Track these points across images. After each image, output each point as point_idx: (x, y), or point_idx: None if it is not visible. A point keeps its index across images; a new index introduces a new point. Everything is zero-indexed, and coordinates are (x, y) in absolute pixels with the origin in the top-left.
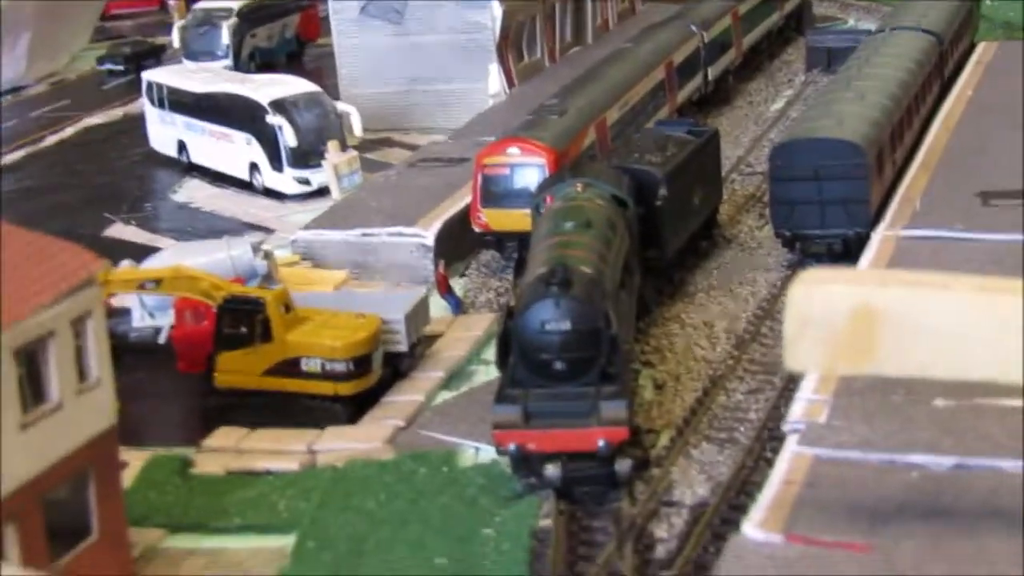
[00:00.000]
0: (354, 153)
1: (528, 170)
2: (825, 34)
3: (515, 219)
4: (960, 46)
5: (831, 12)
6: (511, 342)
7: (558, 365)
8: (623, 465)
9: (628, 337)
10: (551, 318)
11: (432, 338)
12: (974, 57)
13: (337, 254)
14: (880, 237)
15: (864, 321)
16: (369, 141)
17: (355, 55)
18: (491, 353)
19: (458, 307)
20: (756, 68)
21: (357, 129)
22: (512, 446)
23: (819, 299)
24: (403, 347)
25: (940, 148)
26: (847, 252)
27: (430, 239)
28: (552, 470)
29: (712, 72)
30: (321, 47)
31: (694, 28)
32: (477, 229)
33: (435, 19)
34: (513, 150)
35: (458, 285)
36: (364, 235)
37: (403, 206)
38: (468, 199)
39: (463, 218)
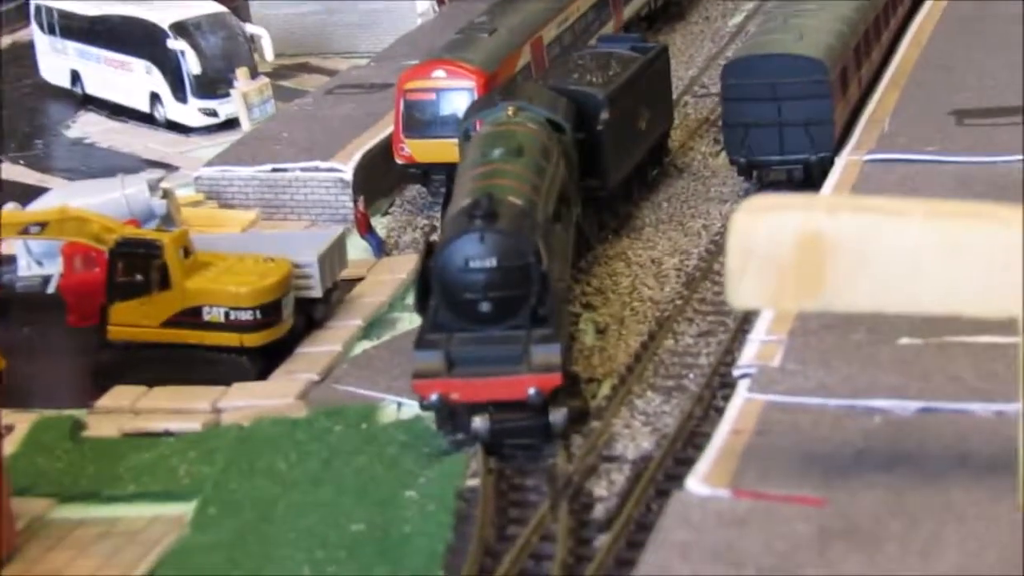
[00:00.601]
0: (265, 80)
1: (455, 95)
2: None
3: (442, 149)
4: None
5: None
6: (431, 282)
7: (484, 306)
8: (557, 416)
9: (564, 275)
10: (475, 254)
11: (351, 282)
12: None
13: (246, 192)
14: (844, 162)
15: (811, 252)
16: (283, 67)
17: None
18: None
19: (380, 248)
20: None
21: (268, 54)
22: (434, 396)
23: (763, 229)
24: (317, 293)
25: (911, 64)
26: (809, 179)
27: (348, 174)
28: (479, 423)
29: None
30: None
31: None
32: (400, 162)
33: None
34: (438, 73)
35: (380, 224)
36: (275, 170)
37: (319, 138)
38: (391, 129)
39: (385, 150)
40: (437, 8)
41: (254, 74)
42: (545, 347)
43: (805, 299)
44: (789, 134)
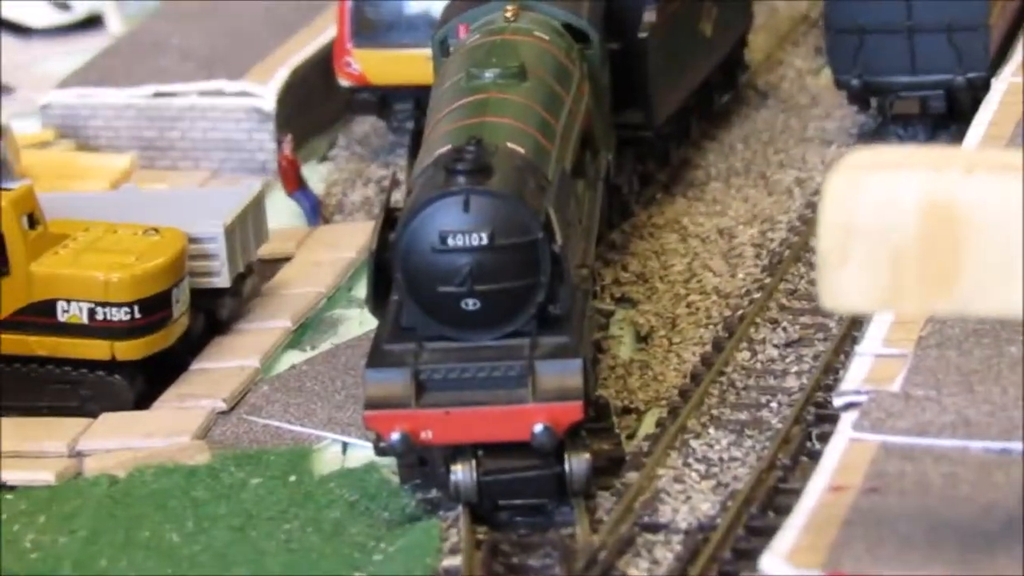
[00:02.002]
0: None
1: None
2: None
3: (408, 64)
4: None
5: None
6: (392, 269)
7: (469, 303)
8: (578, 464)
9: (588, 256)
10: (456, 227)
11: (272, 263)
12: None
13: (116, 127)
14: (1005, 86)
15: (942, 230)
16: None
17: None
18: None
19: (315, 212)
20: None
21: None
22: (396, 436)
23: (871, 197)
24: (223, 281)
25: None
26: (953, 111)
27: (269, 100)
28: (462, 474)
29: None
30: None
31: None
32: (345, 83)
33: None
34: None
35: (316, 176)
36: (160, 95)
37: (225, 46)
38: (331, 34)
39: (324, 64)
40: None
41: None
42: (559, 364)
43: (932, 299)
44: (924, 44)
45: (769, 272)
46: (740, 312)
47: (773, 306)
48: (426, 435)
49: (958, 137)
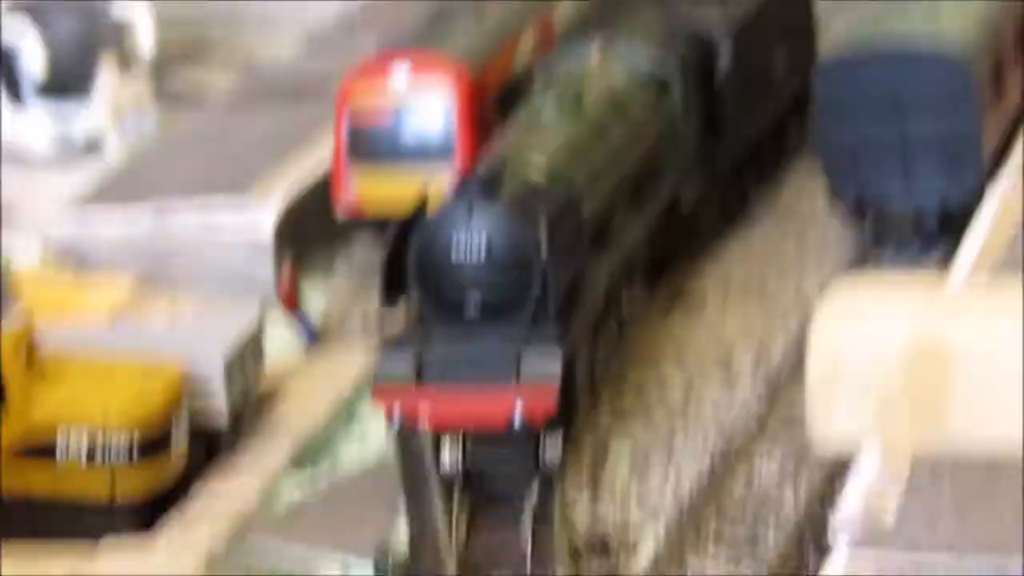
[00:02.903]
0: (144, 81)
1: (425, 106)
2: None
3: (407, 191)
4: None
5: None
6: (406, 266)
7: (471, 302)
8: (552, 449)
9: (609, 265)
10: (461, 236)
11: (272, 389)
12: None
13: (117, 253)
14: (1000, 201)
15: (928, 369)
16: (170, 55)
17: None
18: (365, 414)
19: (313, 335)
20: None
21: (147, 42)
22: (396, 411)
23: (856, 335)
24: (222, 418)
25: None
26: (946, 227)
27: (268, 225)
28: (451, 456)
29: None
30: None
31: None
32: (343, 211)
33: None
34: (399, 74)
35: (315, 299)
36: (160, 219)
37: (225, 170)
38: (330, 157)
39: (323, 189)
40: None
41: (127, 71)
42: (541, 355)
43: (920, 436)
44: (918, 160)
45: (767, 396)
46: (739, 436)
47: (771, 429)
48: (423, 408)
49: (952, 251)
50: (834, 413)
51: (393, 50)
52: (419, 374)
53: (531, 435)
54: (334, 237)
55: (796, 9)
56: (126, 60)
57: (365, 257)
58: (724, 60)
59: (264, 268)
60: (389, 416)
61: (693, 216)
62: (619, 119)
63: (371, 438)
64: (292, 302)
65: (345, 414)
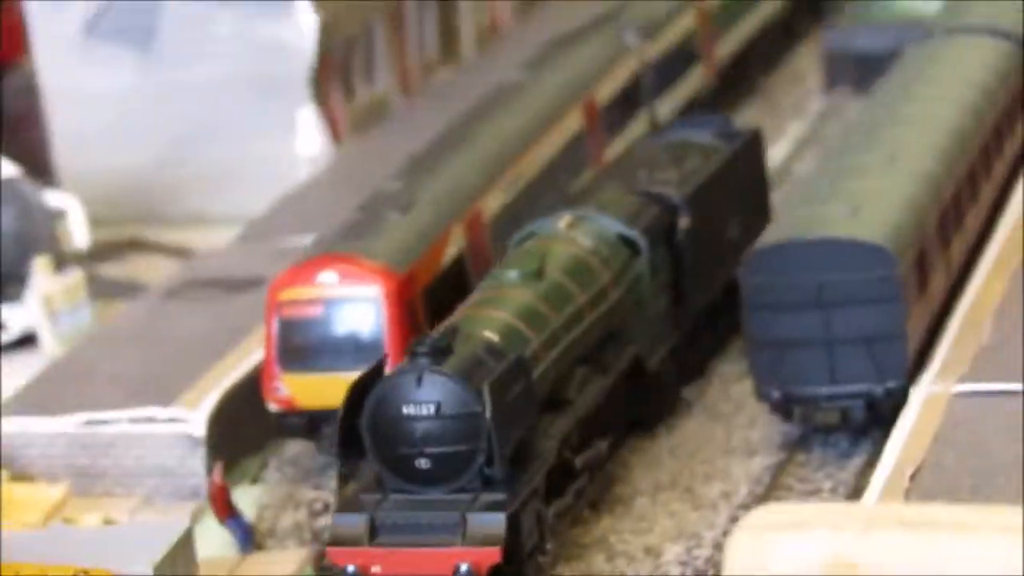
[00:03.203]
0: (78, 275)
1: (354, 309)
2: (851, 33)
3: (336, 389)
4: None
5: None
6: (361, 427)
7: (422, 463)
8: None
9: (561, 429)
10: (411, 399)
11: None
12: None
13: (51, 455)
14: (924, 396)
15: None
16: (105, 244)
17: (78, 104)
18: None
19: (247, 539)
20: (746, 91)
21: (81, 235)
22: (350, 568)
23: (773, 556)
24: None
25: None
26: (873, 420)
27: (199, 426)
28: None
29: (664, 109)
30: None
31: (629, 38)
32: (274, 407)
33: (208, 40)
34: (327, 277)
35: (247, 499)
36: (91, 423)
37: (156, 368)
38: (259, 356)
39: (253, 386)
40: (332, 149)
41: (60, 265)
42: (487, 516)
43: None
44: (843, 355)
45: None
46: None
47: None
48: (375, 569)
49: (881, 445)
50: None
51: (320, 253)
52: (372, 535)
53: None
54: (265, 437)
55: (749, 182)
56: (60, 254)
57: (296, 454)
58: (683, 222)
59: (197, 466)
60: (343, 571)
61: (656, 377)
62: (581, 282)
63: None
64: (224, 507)
65: None
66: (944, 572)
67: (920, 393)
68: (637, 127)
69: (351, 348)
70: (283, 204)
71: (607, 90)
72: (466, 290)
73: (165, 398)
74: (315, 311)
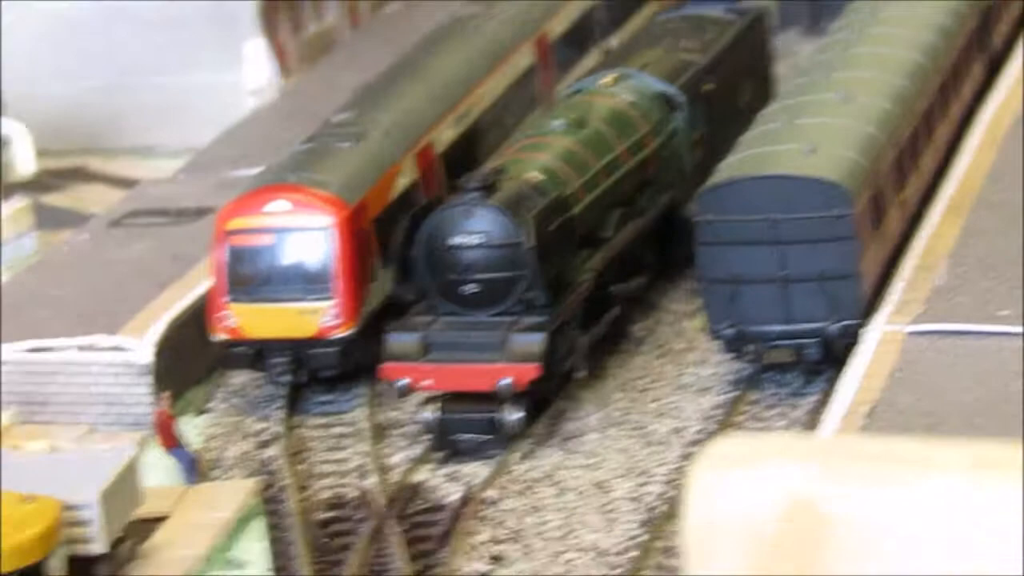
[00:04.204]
0: (23, 203)
1: (303, 238)
2: None
3: (284, 319)
4: None
5: None
6: (413, 258)
7: (469, 288)
8: (512, 414)
9: (597, 262)
10: (460, 230)
11: (149, 523)
12: None
13: None
14: (878, 336)
15: (803, 526)
16: (49, 173)
17: (22, 32)
18: (244, 548)
19: (192, 469)
20: None
21: (25, 162)
22: (401, 382)
23: (732, 491)
24: (98, 547)
25: (980, 176)
26: (827, 359)
27: (145, 354)
28: (430, 414)
29: (616, 45)
30: None
31: None
32: (221, 337)
33: None
34: (277, 205)
35: (193, 429)
36: (36, 350)
37: (101, 296)
38: (206, 285)
39: (200, 316)
40: (279, 82)
41: (6, 194)
42: (528, 336)
43: None
44: (797, 293)
45: (646, 528)
46: (619, 571)
47: (651, 565)
48: (426, 383)
49: (834, 383)
50: (710, 565)
51: (270, 183)
52: (423, 352)
53: (495, 404)
54: (211, 367)
55: (758, 52)
56: (5, 182)
57: (242, 383)
58: (708, 84)
59: (143, 395)
60: (395, 384)
61: (688, 222)
62: (621, 132)
63: (250, 568)
64: (170, 437)
65: (222, 547)
66: (903, 515)
67: (874, 332)
68: (588, 63)
69: (300, 278)
70: (230, 135)
71: (559, 25)
72: None
73: (111, 326)
74: (265, 240)
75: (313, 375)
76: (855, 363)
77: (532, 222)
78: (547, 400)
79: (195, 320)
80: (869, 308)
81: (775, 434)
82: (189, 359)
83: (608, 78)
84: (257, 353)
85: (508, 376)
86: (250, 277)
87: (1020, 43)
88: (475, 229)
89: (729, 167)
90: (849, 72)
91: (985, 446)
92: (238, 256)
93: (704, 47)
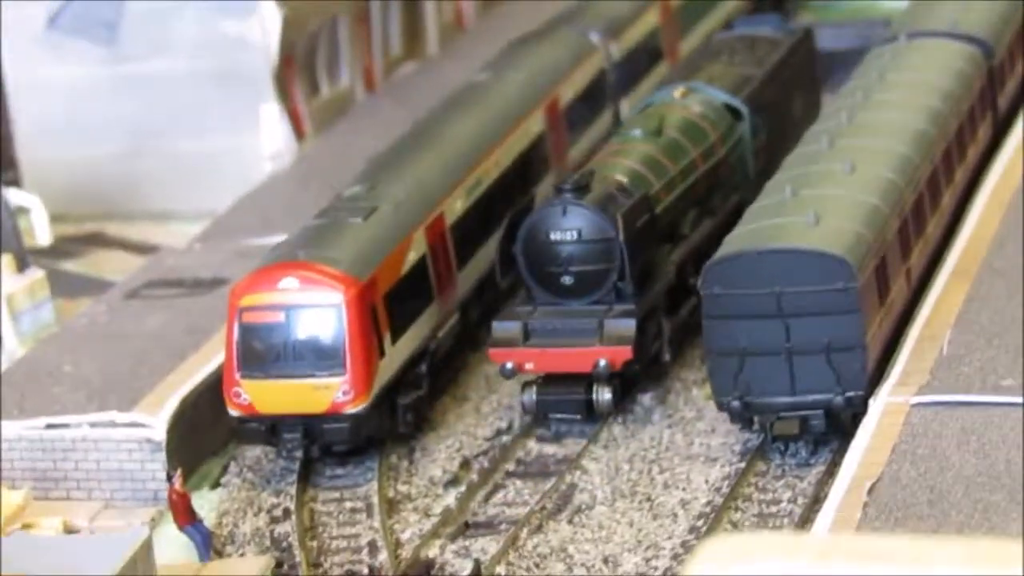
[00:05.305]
0: (39, 273)
1: (314, 315)
2: (819, 26)
3: (297, 395)
4: None
5: None
6: (516, 253)
7: (566, 279)
8: (604, 393)
9: (679, 255)
10: (558, 226)
11: None
12: None
13: (12, 459)
14: (882, 407)
15: None
16: (68, 239)
17: (40, 97)
18: None
19: (207, 546)
20: None
21: (44, 233)
22: (508, 365)
23: None
24: None
25: (985, 242)
26: (833, 430)
27: (159, 430)
28: (527, 395)
29: (628, 107)
30: None
31: (594, 38)
32: (235, 412)
33: (170, 35)
34: (289, 282)
35: (207, 504)
36: (51, 427)
37: (117, 370)
38: (220, 359)
39: (214, 390)
40: (295, 146)
41: (22, 264)
42: (619, 321)
43: None
44: (802, 365)
45: None
46: None
47: None
48: (529, 365)
49: (840, 453)
50: None
51: (281, 259)
52: (525, 338)
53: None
54: (225, 441)
55: (807, 69)
56: (22, 251)
57: (256, 457)
58: (767, 95)
59: (158, 471)
60: (502, 368)
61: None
62: (694, 140)
63: None
64: (184, 514)
65: None
66: None
67: (879, 403)
68: (601, 126)
69: (312, 354)
70: (246, 202)
71: (570, 90)
72: (428, 295)
73: (126, 402)
74: (277, 317)
75: (326, 449)
76: (860, 435)
77: (621, 219)
78: (633, 382)
79: (210, 394)
80: (874, 379)
81: (770, 532)
82: (203, 433)
83: (678, 91)
84: (270, 428)
85: (604, 357)
86: (262, 354)
87: None
88: (571, 226)
89: (735, 240)
90: (854, 140)
91: (980, 543)
92: (250, 333)
93: (759, 62)
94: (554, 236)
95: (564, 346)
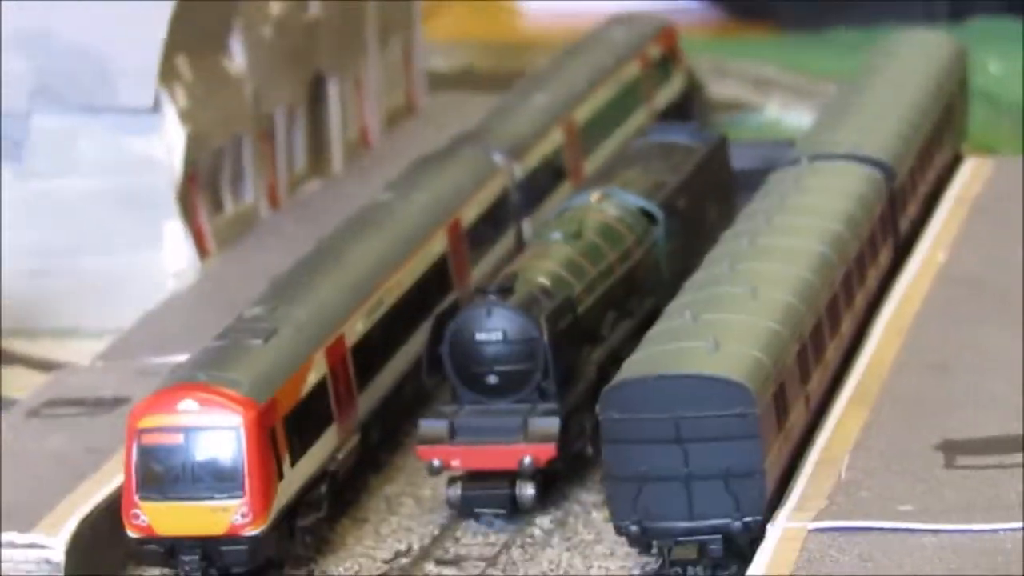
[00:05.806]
0: None
1: (213, 437)
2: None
3: (195, 517)
4: (927, 175)
5: (740, 94)
6: (442, 355)
7: (491, 379)
8: (527, 489)
9: (598, 355)
10: (483, 328)
11: None
12: (954, 189)
13: None
14: (779, 533)
15: None
16: None
17: None
18: None
19: None
20: None
21: None
22: (435, 461)
23: None
24: None
25: (885, 366)
26: (731, 555)
27: (58, 551)
28: (452, 490)
29: (531, 227)
30: None
31: (497, 158)
32: (133, 535)
33: (76, 153)
34: (187, 404)
35: None
36: None
37: (18, 491)
38: (120, 479)
39: (114, 511)
40: (199, 264)
41: None
42: (544, 419)
43: None
44: (701, 491)
45: None
46: None
47: None
48: (455, 462)
49: None
50: None
51: (180, 382)
52: (451, 435)
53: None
54: (124, 562)
55: (721, 175)
56: None
57: None
58: (681, 202)
59: None
60: (429, 464)
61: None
62: (611, 243)
63: None
64: None
65: None
66: None
67: (777, 529)
68: (504, 246)
69: (210, 476)
70: (148, 320)
71: (473, 211)
72: (327, 417)
73: (26, 522)
74: (175, 439)
75: (224, 572)
76: (757, 561)
77: (545, 321)
78: (554, 478)
79: (109, 515)
80: (773, 504)
81: None
82: (103, 555)
83: (595, 195)
84: (169, 550)
85: (529, 455)
86: (161, 475)
87: (935, 215)
88: (495, 327)
89: (634, 364)
90: (755, 263)
91: None
92: (149, 454)
93: (674, 168)
94: (479, 337)
95: (489, 444)
